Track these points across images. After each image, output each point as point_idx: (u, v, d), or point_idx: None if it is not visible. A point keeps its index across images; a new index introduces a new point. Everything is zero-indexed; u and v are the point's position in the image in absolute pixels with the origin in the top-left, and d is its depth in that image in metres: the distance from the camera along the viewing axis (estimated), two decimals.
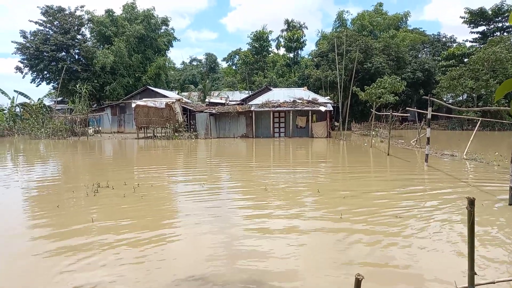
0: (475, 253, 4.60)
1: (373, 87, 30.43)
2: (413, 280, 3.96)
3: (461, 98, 41.31)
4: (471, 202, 2.82)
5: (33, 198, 8.52)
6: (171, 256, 4.77)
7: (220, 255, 4.72)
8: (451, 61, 44.39)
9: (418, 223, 5.94)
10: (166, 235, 5.55)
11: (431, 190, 8.93)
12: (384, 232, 5.54)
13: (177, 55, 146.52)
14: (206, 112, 30.68)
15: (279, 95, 33.13)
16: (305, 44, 67.44)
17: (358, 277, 2.55)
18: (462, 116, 33.30)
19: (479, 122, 18.38)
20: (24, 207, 7.74)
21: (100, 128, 37.27)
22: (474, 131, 16.83)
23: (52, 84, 43.35)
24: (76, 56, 42.64)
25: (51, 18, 40.47)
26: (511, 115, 26.63)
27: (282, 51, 70.66)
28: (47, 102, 44.12)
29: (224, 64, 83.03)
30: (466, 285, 3.06)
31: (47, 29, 40.86)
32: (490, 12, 45.25)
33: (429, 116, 13.32)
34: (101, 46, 46.27)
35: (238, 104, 36.19)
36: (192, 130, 31.10)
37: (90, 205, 7.49)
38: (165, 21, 51.70)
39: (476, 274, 2.95)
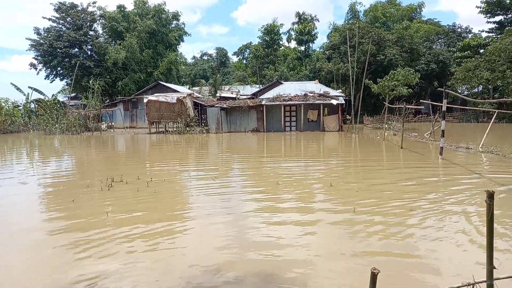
0: (495, 247, 4.52)
1: (386, 80, 29.98)
2: (430, 273, 3.91)
3: (477, 90, 40.45)
4: (491, 196, 2.74)
5: (49, 193, 8.69)
6: (185, 246, 4.80)
7: (232, 246, 4.74)
8: (466, 52, 43.40)
9: (433, 216, 5.85)
10: (179, 227, 5.60)
11: (446, 183, 8.78)
12: (398, 225, 5.48)
13: (188, 50, 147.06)
14: (217, 107, 30.72)
15: (290, 89, 32.93)
16: (317, 37, 66.78)
17: (374, 271, 2.52)
18: (478, 108, 32.58)
19: (495, 114, 17.96)
20: (41, 202, 7.89)
21: (113, 123, 37.72)
22: (490, 123, 16.47)
23: (65, 80, 43.96)
24: (89, 52, 43.07)
25: (64, 14, 40.90)
26: None
27: (293, 44, 70.23)
28: (61, 98, 44.85)
29: (234, 58, 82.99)
30: (485, 279, 2.99)
31: (60, 26, 41.33)
32: (508, 1, 43.92)
33: (444, 108, 13.05)
34: (113, 42, 46.66)
35: (249, 98, 36.12)
36: (203, 124, 31.22)
37: (104, 199, 7.59)
38: (176, 16, 51.77)
39: (495, 268, 2.89)
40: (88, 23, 42.64)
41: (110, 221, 5.98)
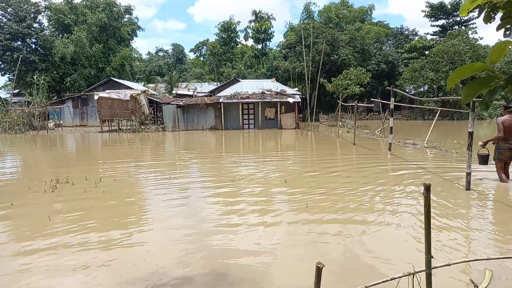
0: (433, 237, 4.78)
1: (340, 79, 30.99)
2: (371, 266, 4.05)
3: (423, 89, 42.99)
4: (427, 188, 2.87)
5: None
6: (129, 248, 4.60)
7: (189, 250, 4.61)
8: (413, 54, 46.03)
9: (380, 211, 6.09)
10: (129, 232, 5.36)
11: (393, 177, 9.21)
12: (347, 220, 5.63)
13: (143, 46, 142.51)
14: (173, 104, 30.07)
15: (248, 87, 33.02)
16: (273, 36, 67.71)
17: (319, 265, 2.55)
18: (424, 107, 34.72)
19: (438, 112, 19.18)
20: None
21: (61, 121, 35.64)
22: (434, 121, 17.56)
23: (7, 75, 40.95)
24: (33, 46, 40.35)
25: (4, 4, 37.94)
26: (462, 105, 27.95)
27: (250, 42, 70.44)
28: (3, 94, 41.89)
29: (192, 55, 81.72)
30: (424, 268, 3.14)
31: (0, 17, 38.34)
32: (449, 6, 47.16)
33: (391, 107, 13.70)
34: (60, 35, 44.06)
35: (206, 96, 35.73)
36: (159, 122, 30.42)
37: (47, 202, 7.11)
38: (128, 10, 50.00)
39: (433, 257, 3.03)
40: (32, 15, 39.94)
41: (53, 225, 5.60)
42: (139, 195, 7.94)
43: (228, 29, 65.07)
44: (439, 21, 49.71)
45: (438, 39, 48.40)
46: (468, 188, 7.29)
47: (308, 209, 6.20)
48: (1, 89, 40.86)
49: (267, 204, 6.69)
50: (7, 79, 42.53)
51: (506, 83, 1.60)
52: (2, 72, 39.88)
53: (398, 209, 6.17)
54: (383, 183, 8.32)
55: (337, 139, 19.93)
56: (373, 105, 27.75)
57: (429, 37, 51.75)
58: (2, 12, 38.20)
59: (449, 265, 3.35)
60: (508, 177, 7.97)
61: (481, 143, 8.13)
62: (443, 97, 25.69)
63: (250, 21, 68.09)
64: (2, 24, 37.31)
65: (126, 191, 8.12)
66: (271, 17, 67.63)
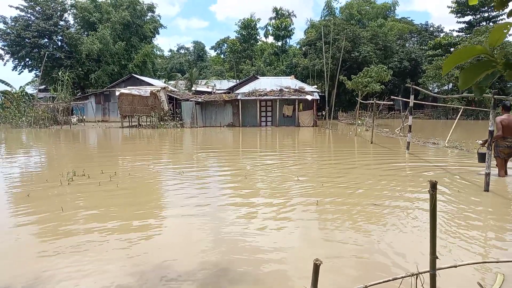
0: (444, 238, 4.61)
1: (360, 76, 30.44)
2: (377, 265, 3.93)
3: (447, 88, 41.73)
4: (433, 186, 2.75)
5: (3, 189, 8.27)
6: (137, 242, 4.65)
7: (205, 245, 4.63)
8: (437, 51, 44.65)
9: (393, 210, 5.93)
10: (138, 225, 5.43)
11: (410, 176, 8.96)
12: (359, 219, 5.51)
13: (165, 43, 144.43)
14: (192, 101, 30.32)
15: (266, 84, 32.91)
16: (293, 33, 67.05)
17: (317, 262, 2.50)
18: (447, 105, 33.67)
19: (461, 110, 18.59)
20: None
21: (84, 116, 36.60)
22: (456, 120, 17.01)
23: (34, 71, 42.29)
24: (59, 43, 41.48)
25: (32, 3, 39.15)
26: (487, 104, 26.84)
27: (270, 39, 70.14)
28: (30, 90, 43.11)
29: (212, 53, 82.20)
30: (429, 269, 3.02)
31: (29, 15, 39.56)
32: (476, 2, 45.45)
33: (411, 104, 13.35)
34: (85, 33, 45.18)
35: (224, 93, 35.86)
36: (178, 119, 30.76)
37: (62, 194, 7.30)
38: (151, 8, 50.63)
39: (437, 258, 2.91)
40: (59, 13, 41.01)
41: (65, 216, 5.73)
42: (152, 190, 8.03)
43: (248, 26, 65.04)
44: (466, 17, 47.99)
45: (464, 36, 46.80)
46: (487, 189, 7.01)
47: (320, 206, 6.10)
48: (28, 84, 42.18)
49: (281, 200, 6.64)
50: (34, 75, 43.93)
51: (505, 67, 1.50)
52: (30, 68, 41.23)
53: (412, 210, 5.99)
54: (397, 182, 8.11)
55: (355, 138, 19.61)
56: (393, 103, 27.15)
57: (455, 33, 50.08)
58: (31, 11, 39.46)
59: (455, 266, 3.20)
60: (506, 173, 8.36)
61: (480, 141, 8.49)
62: (467, 95, 24.78)
63: (270, 18, 67.86)
64: (30, 22, 38.54)
65: (140, 185, 8.23)
66: (292, 14, 67.19)
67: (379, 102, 21.15)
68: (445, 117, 38.33)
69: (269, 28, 68.35)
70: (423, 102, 28.33)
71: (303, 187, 7.71)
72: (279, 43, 67.07)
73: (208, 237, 4.84)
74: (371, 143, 16.18)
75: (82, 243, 4.62)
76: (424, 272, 3.03)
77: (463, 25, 48.96)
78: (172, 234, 5.00)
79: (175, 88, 41.74)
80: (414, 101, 13.99)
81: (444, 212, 5.76)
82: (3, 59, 39.63)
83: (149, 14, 51.18)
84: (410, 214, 5.71)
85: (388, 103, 23.87)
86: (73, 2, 43.98)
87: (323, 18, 60.65)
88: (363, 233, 4.88)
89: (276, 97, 29.71)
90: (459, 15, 47.91)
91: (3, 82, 38.63)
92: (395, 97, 23.24)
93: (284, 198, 6.81)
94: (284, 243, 4.58)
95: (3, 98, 38.94)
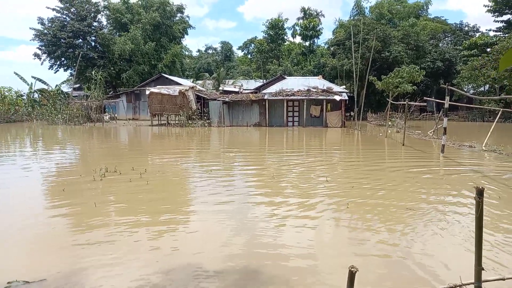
0: (486, 247, 4.35)
1: (391, 77, 29.61)
2: (417, 273, 3.75)
3: (483, 89, 39.95)
4: (480, 192, 2.58)
5: (41, 182, 8.59)
6: (159, 238, 4.67)
7: (231, 242, 4.61)
8: (473, 51, 42.76)
9: (428, 215, 5.68)
10: (162, 221, 5.48)
11: (445, 181, 8.59)
12: (392, 223, 5.32)
13: (193, 44, 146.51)
14: (219, 100, 30.54)
15: (294, 84, 32.65)
16: (321, 33, 66.06)
17: (352, 269, 2.39)
18: (484, 107, 32.18)
19: (499, 113, 17.70)
20: (31, 190, 7.79)
21: (115, 115, 37.68)
22: (494, 122, 16.21)
23: (69, 70, 43.97)
24: (93, 43, 42.96)
25: (68, 5, 40.73)
26: None
27: (297, 39, 69.59)
28: (65, 88, 44.92)
29: (239, 53, 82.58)
30: (473, 281, 2.84)
31: (64, 16, 41.20)
32: None
33: (446, 106, 12.81)
34: (117, 34, 46.52)
35: (251, 93, 35.88)
36: (205, 118, 31.07)
37: (95, 189, 7.49)
38: (180, 9, 51.47)
39: (483, 269, 2.73)
40: (92, 14, 42.44)
41: (98, 211, 5.87)
42: (180, 187, 8.10)
43: (275, 26, 64.87)
44: (504, 16, 45.62)
45: (502, 35, 44.57)
46: None
47: (349, 210, 5.94)
48: (63, 83, 43.95)
49: (307, 201, 6.52)
50: (69, 74, 45.73)
51: None
52: (65, 68, 42.96)
53: (449, 215, 5.72)
54: (433, 187, 7.78)
55: (385, 139, 19.08)
56: (426, 104, 26.22)
57: (491, 33, 47.75)
58: (66, 12, 41.07)
59: (503, 279, 3.00)
60: None
61: None
62: (506, 96, 23.58)
63: (298, 18, 67.33)
64: (65, 23, 40.11)
65: (169, 183, 8.33)
66: (320, 14, 66.41)
67: (411, 103, 20.46)
68: (481, 120, 36.68)
69: (297, 28, 67.86)
70: (458, 104, 27.23)
71: (331, 188, 7.54)
72: (307, 43, 66.43)
73: (234, 233, 4.80)
74: (403, 145, 15.69)
75: (113, 233, 4.70)
76: (469, 284, 2.86)
77: (501, 24, 46.67)
78: (202, 229, 5.00)
79: (203, 87, 42.21)
80: (449, 103, 13.42)
81: (487, 219, 5.45)
82: (40, 59, 41.45)
83: (178, 15, 52.05)
84: (449, 220, 5.44)
85: (421, 104, 23.05)
86: (106, 3, 45.38)
87: (352, 17, 59.54)
88: (398, 238, 4.70)
89: (304, 97, 29.42)
90: (496, 14, 45.67)
91: (40, 80, 40.40)
92: (428, 98, 22.42)
93: (315, 198, 6.68)
94: (316, 244, 4.47)
95: (40, 96, 40.74)
